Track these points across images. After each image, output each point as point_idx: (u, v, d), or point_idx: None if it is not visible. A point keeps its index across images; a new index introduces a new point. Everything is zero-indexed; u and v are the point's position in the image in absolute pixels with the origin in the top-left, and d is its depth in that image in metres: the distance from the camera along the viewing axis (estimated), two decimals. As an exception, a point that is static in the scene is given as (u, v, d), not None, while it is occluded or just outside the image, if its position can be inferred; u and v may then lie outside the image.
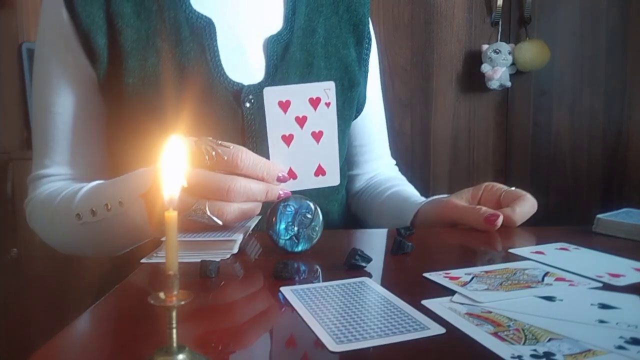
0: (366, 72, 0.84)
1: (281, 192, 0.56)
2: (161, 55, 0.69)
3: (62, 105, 0.71)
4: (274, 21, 0.78)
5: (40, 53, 0.73)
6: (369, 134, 0.89)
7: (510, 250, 0.55)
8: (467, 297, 0.40)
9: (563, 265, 0.49)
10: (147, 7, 0.70)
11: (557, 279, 0.45)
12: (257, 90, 0.73)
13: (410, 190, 0.84)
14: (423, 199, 0.77)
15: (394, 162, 0.96)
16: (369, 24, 0.85)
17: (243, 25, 0.75)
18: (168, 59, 0.69)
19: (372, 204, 0.86)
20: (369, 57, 0.84)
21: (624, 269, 0.48)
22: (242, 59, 0.74)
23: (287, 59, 0.75)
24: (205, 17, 0.72)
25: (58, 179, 0.73)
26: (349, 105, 0.81)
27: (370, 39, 0.85)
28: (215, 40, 0.72)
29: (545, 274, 0.46)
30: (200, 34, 0.71)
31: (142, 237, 0.62)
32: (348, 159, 0.91)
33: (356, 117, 0.86)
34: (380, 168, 0.93)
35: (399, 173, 0.94)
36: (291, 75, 0.75)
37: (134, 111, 0.69)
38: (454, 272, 0.47)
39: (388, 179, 0.89)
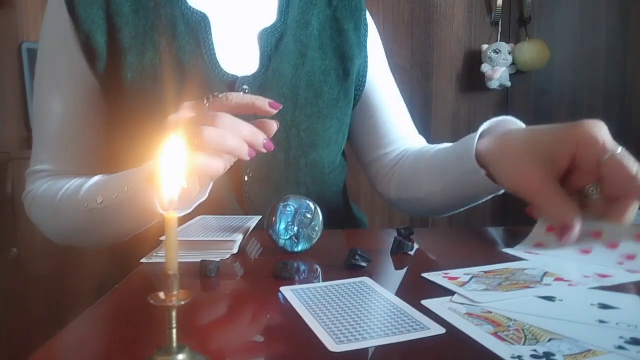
0: (366, 55, 0.85)
1: (265, 142, 0.56)
2: (158, 49, 0.71)
3: (58, 103, 0.73)
4: (268, 15, 0.80)
5: (41, 53, 0.75)
6: (386, 110, 0.88)
7: (505, 250, 0.55)
8: (466, 298, 0.40)
9: (560, 266, 0.49)
10: (144, 5, 0.72)
11: (557, 279, 0.45)
12: (250, 81, 0.74)
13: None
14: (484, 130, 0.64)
15: (423, 139, 0.91)
16: (365, 11, 0.87)
17: (237, 19, 0.77)
18: (165, 53, 0.71)
19: (419, 163, 0.78)
20: (367, 42, 0.86)
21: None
22: (237, 52, 0.76)
23: (281, 50, 0.77)
24: (200, 12, 0.74)
25: (53, 173, 0.75)
26: (345, 94, 0.82)
27: (367, 26, 0.86)
28: (210, 34, 0.74)
29: (544, 274, 0.46)
30: (196, 29, 0.73)
31: (152, 219, 0.63)
32: (375, 143, 0.88)
33: (355, 104, 0.85)
34: (410, 144, 0.87)
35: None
36: (285, 66, 0.76)
37: (134, 105, 0.71)
38: (453, 273, 0.47)
39: (427, 145, 0.83)
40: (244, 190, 0.73)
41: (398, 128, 0.88)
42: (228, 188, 0.73)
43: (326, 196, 0.81)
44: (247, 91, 0.73)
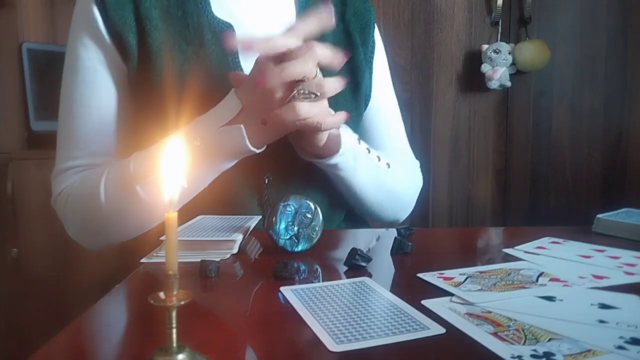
0: (370, 71, 0.87)
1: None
2: (186, 56, 0.74)
3: (95, 98, 0.75)
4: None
5: (73, 50, 0.76)
6: (378, 129, 0.89)
7: (505, 250, 0.55)
8: (460, 298, 0.40)
9: (556, 267, 0.49)
10: (172, 13, 0.75)
11: (552, 280, 0.45)
12: None
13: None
14: None
15: (417, 162, 0.93)
16: (374, 29, 0.89)
17: (260, 30, 0.79)
18: (192, 60, 0.74)
19: None
20: (372, 59, 0.88)
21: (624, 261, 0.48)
22: None
23: None
24: (226, 22, 0.76)
25: (88, 168, 0.75)
26: (356, 107, 0.84)
27: (374, 43, 0.89)
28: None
29: (540, 275, 0.46)
30: (221, 38, 0.76)
31: (239, 154, 0.66)
32: None
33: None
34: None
35: (412, 169, 0.91)
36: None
37: (159, 108, 0.73)
38: (448, 273, 0.47)
39: None
40: (263, 192, 0.75)
41: (388, 149, 0.88)
42: (249, 190, 0.74)
43: (338, 200, 0.82)
44: None
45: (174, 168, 0.28)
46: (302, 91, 0.60)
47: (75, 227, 0.75)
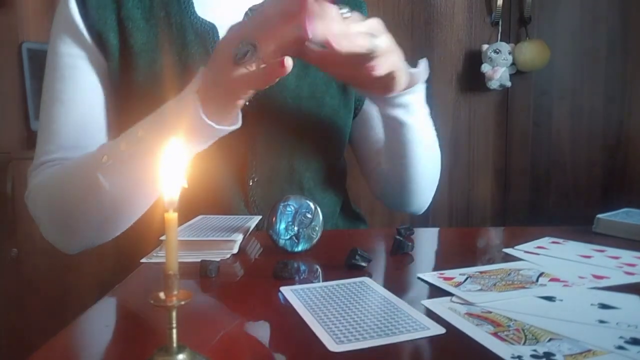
0: None
1: None
2: (168, 57, 0.73)
3: (73, 94, 0.74)
4: None
5: (53, 47, 0.75)
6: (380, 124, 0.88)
7: (505, 250, 0.55)
8: (460, 298, 0.40)
9: (556, 268, 0.49)
10: (155, 14, 0.74)
11: (552, 280, 0.45)
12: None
13: None
14: None
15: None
16: None
17: None
18: (175, 61, 0.73)
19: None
20: None
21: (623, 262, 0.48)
22: None
23: None
24: (209, 22, 0.76)
25: (62, 162, 0.73)
26: (345, 104, 0.83)
27: None
28: None
29: (540, 275, 0.46)
30: (205, 38, 0.75)
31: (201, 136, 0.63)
32: (374, 152, 0.89)
33: (355, 115, 0.86)
34: None
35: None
36: (289, 77, 0.76)
37: (141, 107, 0.71)
38: (448, 273, 0.47)
39: None
40: (249, 193, 0.75)
41: None
42: (235, 192, 0.74)
43: (328, 198, 0.81)
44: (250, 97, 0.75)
45: (165, 165, 0.28)
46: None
47: (45, 226, 0.72)
